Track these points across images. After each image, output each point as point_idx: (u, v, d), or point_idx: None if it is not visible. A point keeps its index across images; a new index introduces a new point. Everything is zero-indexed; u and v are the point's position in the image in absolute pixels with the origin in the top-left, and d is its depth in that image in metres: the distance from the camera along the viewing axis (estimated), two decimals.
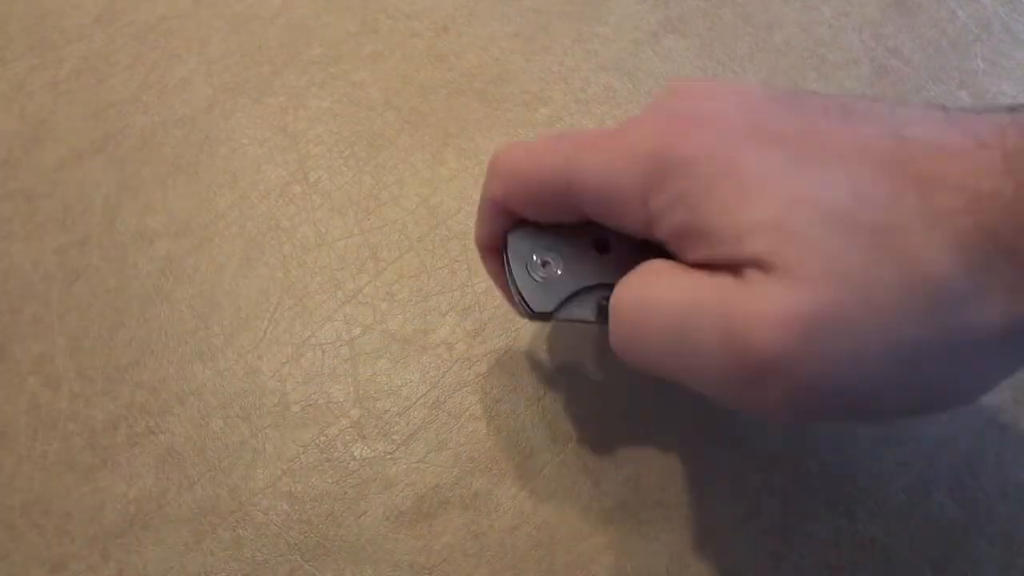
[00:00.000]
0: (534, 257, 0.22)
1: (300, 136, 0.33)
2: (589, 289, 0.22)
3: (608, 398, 0.27)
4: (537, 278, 0.22)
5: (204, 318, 0.30)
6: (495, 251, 0.23)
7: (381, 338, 0.29)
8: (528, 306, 0.22)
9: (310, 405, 0.28)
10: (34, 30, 0.37)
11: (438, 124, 0.33)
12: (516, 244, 0.22)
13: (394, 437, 0.27)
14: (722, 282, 0.17)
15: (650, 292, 0.19)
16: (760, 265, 0.17)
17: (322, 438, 0.27)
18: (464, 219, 0.31)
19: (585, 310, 0.22)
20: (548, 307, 0.21)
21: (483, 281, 0.29)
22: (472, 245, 0.30)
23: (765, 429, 0.26)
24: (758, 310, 0.16)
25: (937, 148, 0.16)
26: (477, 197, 0.31)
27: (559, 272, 0.22)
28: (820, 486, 0.25)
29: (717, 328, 0.17)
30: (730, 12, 0.35)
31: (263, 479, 0.27)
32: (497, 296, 0.29)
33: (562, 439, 0.27)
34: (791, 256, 0.16)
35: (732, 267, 0.17)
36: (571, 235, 0.22)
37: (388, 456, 0.27)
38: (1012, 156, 0.16)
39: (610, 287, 0.20)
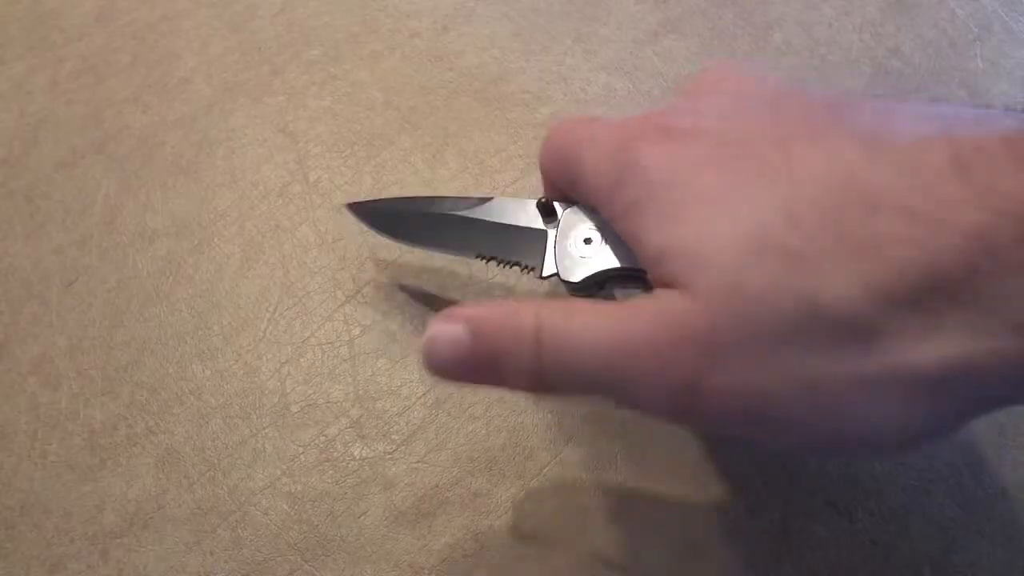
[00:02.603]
0: (579, 233, 0.23)
1: (300, 136, 0.33)
2: (618, 272, 0.23)
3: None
4: (575, 252, 0.23)
5: (204, 318, 0.30)
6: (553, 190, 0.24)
7: (381, 338, 0.29)
8: (559, 275, 0.23)
9: (310, 405, 0.28)
10: (34, 30, 0.38)
11: (438, 124, 0.33)
12: (568, 217, 0.24)
13: (394, 437, 0.27)
14: (626, 309, 0.18)
15: (571, 329, 0.18)
16: (671, 285, 0.17)
17: (322, 438, 0.27)
18: None
19: (608, 291, 0.24)
20: (575, 279, 0.23)
21: (483, 281, 0.29)
22: None
23: None
24: (652, 330, 0.17)
25: (904, 167, 0.15)
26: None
27: (597, 252, 0.23)
28: (820, 486, 0.25)
29: (625, 353, 0.17)
30: (730, 12, 0.35)
31: (263, 479, 0.27)
32: (497, 296, 0.29)
33: (562, 439, 0.27)
34: (695, 279, 0.16)
35: (656, 281, 0.18)
36: None
37: (388, 456, 0.27)
38: (986, 183, 0.14)
39: (635, 273, 0.22)
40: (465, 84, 0.34)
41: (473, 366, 0.19)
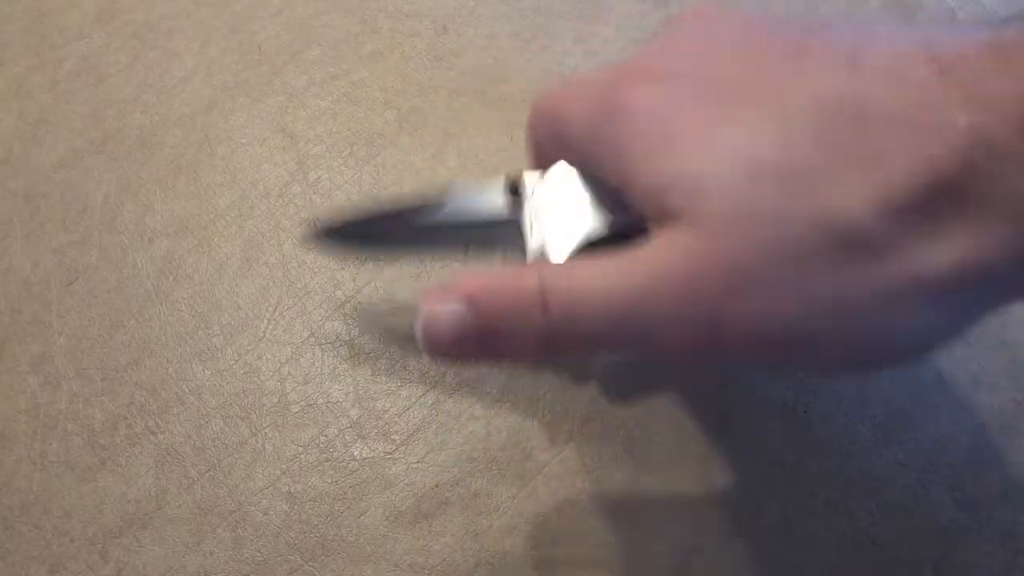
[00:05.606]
0: (559, 202, 0.21)
1: (300, 136, 0.33)
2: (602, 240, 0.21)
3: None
4: (555, 226, 0.21)
5: (204, 318, 0.30)
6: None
7: (381, 338, 0.29)
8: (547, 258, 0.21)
9: (310, 405, 0.28)
10: (34, 30, 0.37)
11: (438, 124, 0.33)
12: (539, 189, 0.22)
13: (394, 437, 0.27)
14: (629, 259, 0.18)
15: (576, 283, 0.18)
16: (675, 218, 0.17)
17: (322, 438, 0.27)
18: None
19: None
20: (561, 259, 0.21)
21: None
22: None
23: (765, 429, 0.26)
24: (667, 272, 0.17)
25: (889, 79, 0.15)
26: None
27: (576, 216, 0.21)
28: (820, 486, 0.25)
29: (644, 300, 0.17)
30: None
31: (263, 479, 0.27)
32: None
33: (562, 439, 0.27)
34: (702, 208, 0.16)
35: (656, 220, 0.18)
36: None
37: (388, 456, 0.27)
38: (973, 85, 0.14)
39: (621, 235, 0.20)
40: (465, 84, 0.34)
41: (477, 342, 0.19)
